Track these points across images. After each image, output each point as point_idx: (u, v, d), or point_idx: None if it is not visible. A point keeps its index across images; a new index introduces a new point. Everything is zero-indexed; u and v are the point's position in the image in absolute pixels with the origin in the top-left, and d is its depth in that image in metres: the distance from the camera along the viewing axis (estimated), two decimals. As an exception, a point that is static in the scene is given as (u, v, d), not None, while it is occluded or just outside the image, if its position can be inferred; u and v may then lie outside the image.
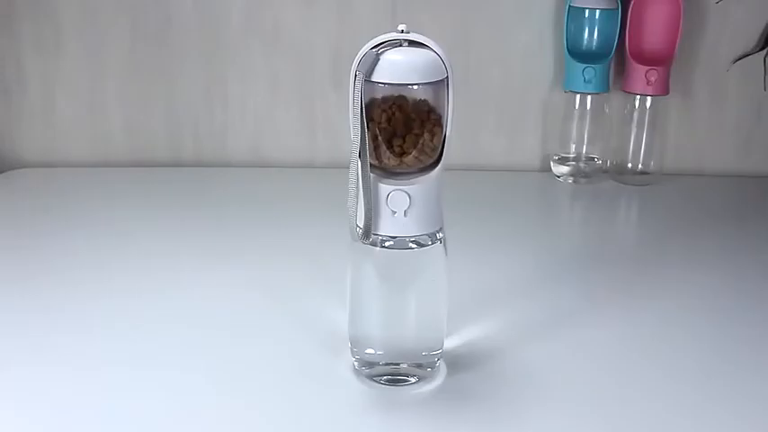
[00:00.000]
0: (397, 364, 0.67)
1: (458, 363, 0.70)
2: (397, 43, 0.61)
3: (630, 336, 0.76)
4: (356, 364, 0.68)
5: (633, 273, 0.90)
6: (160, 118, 1.19)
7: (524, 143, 1.22)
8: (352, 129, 0.60)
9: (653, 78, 1.11)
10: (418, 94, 0.62)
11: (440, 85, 0.62)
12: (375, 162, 0.63)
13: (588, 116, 1.16)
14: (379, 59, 0.60)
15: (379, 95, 0.61)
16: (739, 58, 1.17)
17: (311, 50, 1.17)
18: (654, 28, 1.13)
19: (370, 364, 0.67)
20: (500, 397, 0.66)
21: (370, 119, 0.61)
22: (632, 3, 1.11)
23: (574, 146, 1.17)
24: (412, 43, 0.61)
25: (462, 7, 1.16)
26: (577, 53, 1.14)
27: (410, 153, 0.62)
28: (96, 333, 0.74)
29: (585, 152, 1.17)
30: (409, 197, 0.62)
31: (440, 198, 0.64)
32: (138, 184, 1.14)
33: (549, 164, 1.20)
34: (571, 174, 1.18)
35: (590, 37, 1.14)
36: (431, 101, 0.62)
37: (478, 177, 1.18)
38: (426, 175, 0.63)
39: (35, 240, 0.94)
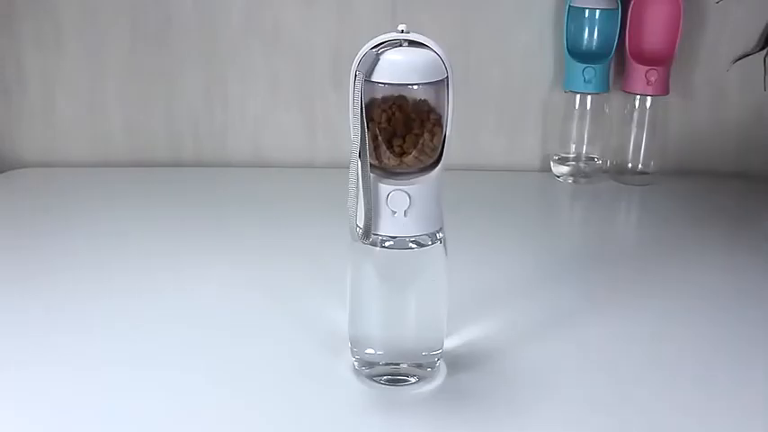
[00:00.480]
0: (397, 364, 0.67)
1: (458, 363, 0.70)
2: (397, 43, 0.61)
3: (630, 335, 0.76)
4: (356, 364, 0.68)
5: (633, 273, 0.90)
6: (160, 118, 1.19)
7: (524, 143, 1.22)
8: (352, 129, 0.60)
9: (653, 78, 1.11)
10: (418, 94, 0.62)
11: (440, 85, 0.62)
12: (375, 162, 0.63)
13: (588, 116, 1.16)
14: (379, 59, 0.60)
15: (379, 95, 0.61)
16: (739, 58, 1.17)
17: (311, 50, 1.17)
18: (654, 28, 1.13)
19: (370, 364, 0.67)
20: (500, 397, 0.66)
21: (370, 119, 0.61)
22: (632, 3, 1.11)
23: (574, 146, 1.17)
24: (412, 43, 0.61)
25: (462, 7, 1.16)
26: (577, 53, 1.14)
27: (410, 153, 0.62)
28: (96, 333, 0.74)
29: (585, 152, 1.17)
30: (409, 197, 0.62)
31: (440, 198, 0.64)
32: (138, 184, 1.14)
33: (549, 164, 1.20)
34: (571, 174, 1.18)
35: (590, 37, 1.14)
36: (431, 101, 0.62)
37: (478, 177, 1.18)
38: (426, 175, 0.63)
39: (35, 240, 0.94)
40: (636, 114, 1.15)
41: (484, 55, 1.18)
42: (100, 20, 1.15)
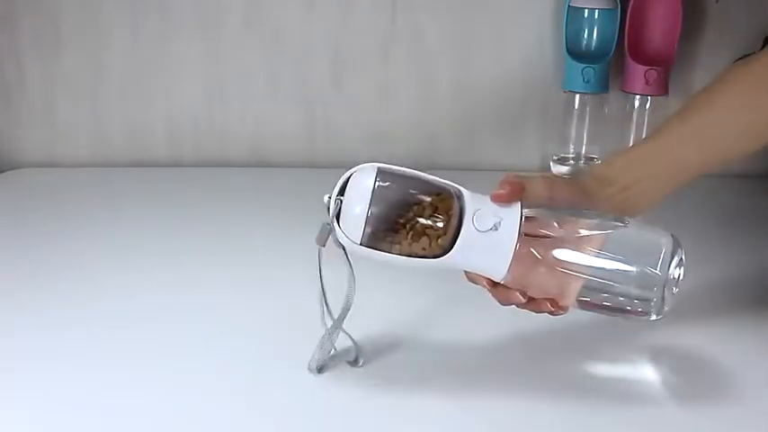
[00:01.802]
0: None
1: (452, 361, 0.70)
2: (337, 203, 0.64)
3: (630, 335, 0.76)
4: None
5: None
6: (160, 118, 1.19)
7: (524, 143, 1.22)
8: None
9: (652, 78, 1.11)
10: (391, 191, 0.63)
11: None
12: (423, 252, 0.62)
13: (587, 116, 1.16)
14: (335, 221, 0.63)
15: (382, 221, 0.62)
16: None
17: (311, 50, 1.17)
18: (653, 28, 1.13)
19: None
20: (494, 396, 0.66)
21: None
22: (632, 3, 1.11)
23: (573, 146, 1.17)
24: (341, 191, 0.64)
25: (462, 7, 1.16)
26: (577, 53, 1.14)
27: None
28: (96, 333, 0.75)
29: (585, 152, 1.17)
30: (488, 207, 0.63)
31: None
32: (138, 184, 1.14)
33: (549, 164, 1.20)
34: (570, 174, 1.18)
35: (589, 37, 1.15)
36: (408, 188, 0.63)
37: (478, 177, 1.17)
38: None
39: (35, 240, 0.94)
40: (635, 115, 1.15)
41: (483, 55, 1.18)
42: (100, 20, 1.15)
